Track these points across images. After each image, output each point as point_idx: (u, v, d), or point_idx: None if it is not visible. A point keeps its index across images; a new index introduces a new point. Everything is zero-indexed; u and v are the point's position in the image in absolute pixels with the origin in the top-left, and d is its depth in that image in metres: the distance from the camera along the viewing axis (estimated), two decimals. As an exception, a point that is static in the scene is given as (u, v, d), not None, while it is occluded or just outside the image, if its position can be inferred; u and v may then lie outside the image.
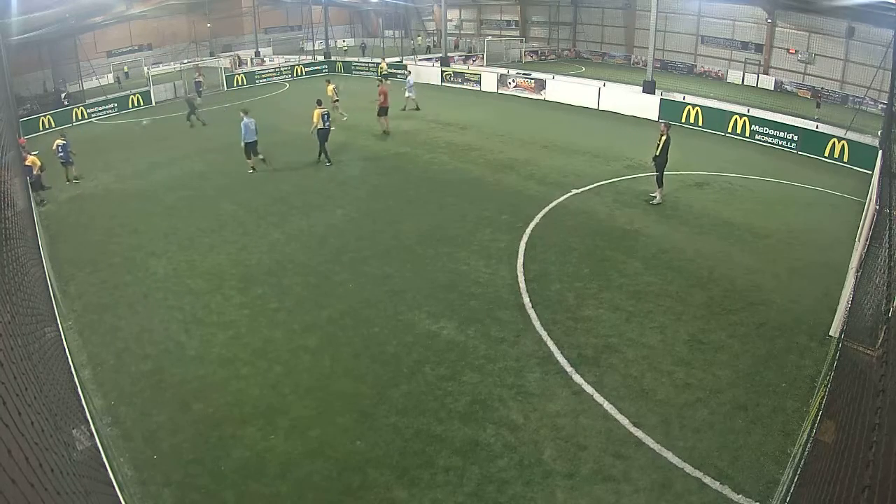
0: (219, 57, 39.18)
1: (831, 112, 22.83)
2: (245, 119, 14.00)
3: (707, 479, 5.09)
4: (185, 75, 28.93)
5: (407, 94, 21.87)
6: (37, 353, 3.59)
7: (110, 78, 37.39)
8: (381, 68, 29.60)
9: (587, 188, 12.89)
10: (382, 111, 18.04)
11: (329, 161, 14.87)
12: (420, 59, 35.21)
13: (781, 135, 16.82)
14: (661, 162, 11.60)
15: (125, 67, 39.12)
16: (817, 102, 24.79)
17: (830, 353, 6.51)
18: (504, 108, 22.96)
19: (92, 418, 4.69)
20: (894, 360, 2.43)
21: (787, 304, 8.02)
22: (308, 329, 7.65)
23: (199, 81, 27.38)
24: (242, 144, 14.17)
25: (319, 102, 14.79)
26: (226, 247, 10.33)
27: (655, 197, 11.90)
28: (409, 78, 22.75)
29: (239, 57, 33.19)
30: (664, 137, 11.48)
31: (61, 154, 14.53)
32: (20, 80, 27.14)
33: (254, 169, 14.49)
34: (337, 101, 20.24)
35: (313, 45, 44.98)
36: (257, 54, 42.98)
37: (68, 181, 14.70)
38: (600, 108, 22.27)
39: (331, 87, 20.26)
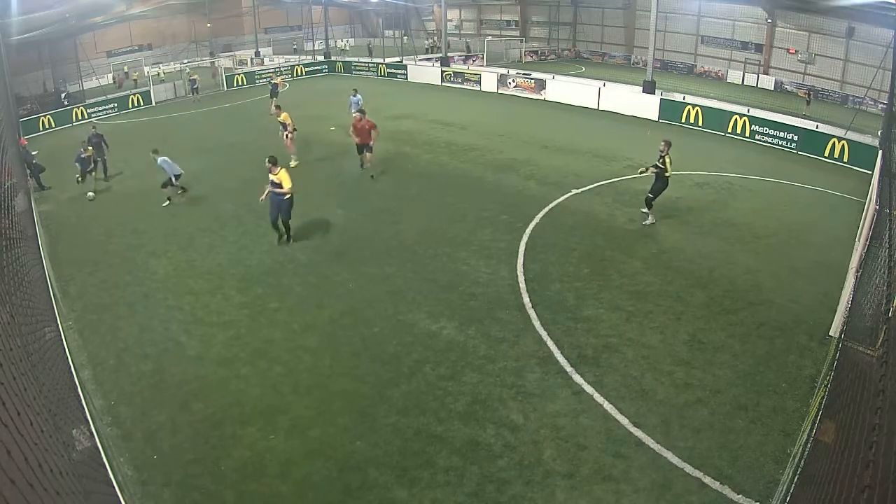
0: (219, 57, 39.17)
1: (828, 111, 22.84)
2: (159, 159, 12.42)
3: (707, 479, 5.08)
4: (184, 76, 29.01)
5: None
6: (37, 353, 3.59)
7: (110, 78, 37.40)
8: (278, 82, 24.08)
9: (587, 188, 12.88)
10: (362, 149, 13.99)
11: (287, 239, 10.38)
12: (420, 59, 35.23)
13: (781, 135, 16.83)
14: (664, 184, 10.46)
15: (125, 67, 39.09)
16: (807, 99, 24.78)
17: (830, 353, 6.50)
18: (504, 108, 22.96)
19: (92, 418, 4.69)
20: (894, 360, 2.43)
21: (787, 304, 8.02)
22: (308, 329, 7.65)
23: (194, 79, 27.52)
24: (172, 178, 12.47)
25: (275, 161, 9.81)
26: (226, 247, 10.33)
27: (649, 217, 10.80)
28: (354, 97, 17.80)
29: (215, 64, 31.50)
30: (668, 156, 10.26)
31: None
32: (20, 80, 27.13)
33: (169, 200, 12.67)
34: (292, 130, 15.09)
35: (313, 45, 44.99)
36: (257, 54, 42.98)
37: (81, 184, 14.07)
38: (600, 108, 22.27)
39: (284, 114, 15.10)
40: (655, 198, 10.61)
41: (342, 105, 21.36)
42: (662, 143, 10.48)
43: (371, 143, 13.67)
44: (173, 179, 12.61)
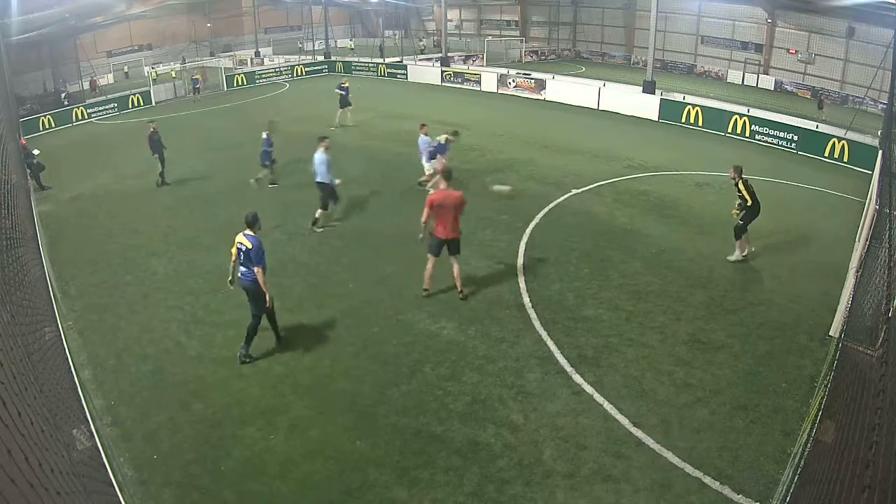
0: (219, 57, 39.27)
1: (828, 111, 22.84)
2: (321, 153, 10.53)
3: (707, 479, 5.08)
4: (185, 75, 29.03)
5: (427, 165, 12.27)
6: (37, 352, 3.59)
7: (111, 78, 37.45)
8: (348, 86, 19.84)
9: (587, 188, 12.88)
10: (439, 248, 8.02)
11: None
12: (420, 59, 35.25)
13: (781, 135, 16.84)
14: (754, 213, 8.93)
15: (125, 68, 39.15)
16: (820, 103, 24.74)
17: (830, 353, 6.49)
18: (504, 108, 22.96)
19: (92, 418, 4.68)
20: (894, 360, 2.43)
21: (787, 304, 8.02)
22: (308, 329, 7.65)
23: (197, 79, 27.57)
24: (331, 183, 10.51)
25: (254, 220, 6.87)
26: (226, 247, 10.18)
27: (736, 251, 9.22)
28: (430, 144, 12.19)
29: (204, 71, 30.28)
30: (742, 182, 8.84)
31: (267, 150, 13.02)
32: (20, 80, 27.15)
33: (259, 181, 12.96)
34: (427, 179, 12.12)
35: (313, 45, 45.02)
36: (257, 54, 43.01)
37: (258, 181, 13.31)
38: (600, 108, 22.28)
39: (434, 165, 11.61)
40: (746, 226, 8.97)
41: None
42: (731, 171, 8.93)
43: (460, 235, 8.05)
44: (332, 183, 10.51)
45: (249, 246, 6.63)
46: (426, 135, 12.16)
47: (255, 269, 6.59)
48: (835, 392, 4.56)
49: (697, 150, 16.31)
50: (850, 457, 2.49)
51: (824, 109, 23.11)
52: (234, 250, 6.82)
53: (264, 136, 13.01)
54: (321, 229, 10.74)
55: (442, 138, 11.95)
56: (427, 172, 12.18)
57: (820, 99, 26.49)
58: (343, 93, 19.53)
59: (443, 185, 7.86)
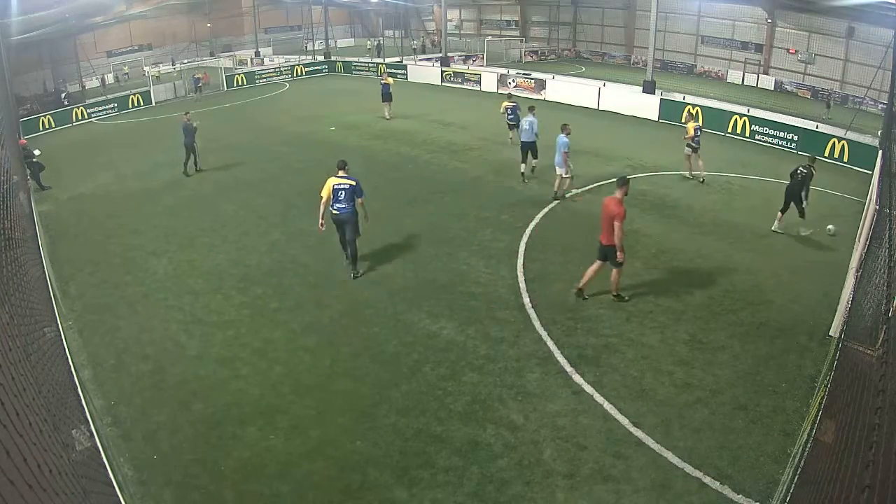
0: (219, 57, 39.28)
1: (834, 113, 22.86)
2: (530, 117, 12.75)
3: (707, 479, 5.08)
4: (185, 75, 29.01)
5: (562, 172, 11.60)
6: (36, 353, 3.59)
7: (111, 78, 37.43)
8: (390, 82, 20.89)
9: (587, 188, 12.87)
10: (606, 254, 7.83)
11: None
12: (420, 59, 35.25)
13: (781, 135, 16.83)
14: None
15: (125, 68, 39.12)
16: (828, 103, 24.73)
17: (830, 353, 6.49)
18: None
19: (92, 418, 4.68)
20: (894, 360, 2.43)
21: (787, 304, 8.02)
22: (308, 329, 7.65)
23: (199, 78, 27.55)
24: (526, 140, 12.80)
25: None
26: (226, 247, 10.32)
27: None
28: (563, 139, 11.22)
29: (206, 74, 29.76)
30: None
31: (511, 116, 15.91)
32: (20, 80, 27.18)
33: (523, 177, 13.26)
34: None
35: (313, 45, 45.01)
36: (257, 54, 43.01)
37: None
38: (600, 108, 22.27)
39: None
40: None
41: (342, 105, 21.34)
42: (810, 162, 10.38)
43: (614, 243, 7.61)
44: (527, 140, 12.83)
45: (353, 183, 8.33)
46: (568, 135, 11.21)
47: (359, 200, 8.38)
48: (835, 392, 4.55)
49: (697, 150, 16.26)
50: (850, 457, 2.49)
51: (830, 109, 23.16)
52: (324, 194, 8.38)
53: (510, 105, 15.97)
54: (529, 178, 13.31)
55: None
56: (565, 177, 11.63)
57: (827, 99, 26.57)
58: (384, 88, 20.82)
59: (618, 192, 7.62)
